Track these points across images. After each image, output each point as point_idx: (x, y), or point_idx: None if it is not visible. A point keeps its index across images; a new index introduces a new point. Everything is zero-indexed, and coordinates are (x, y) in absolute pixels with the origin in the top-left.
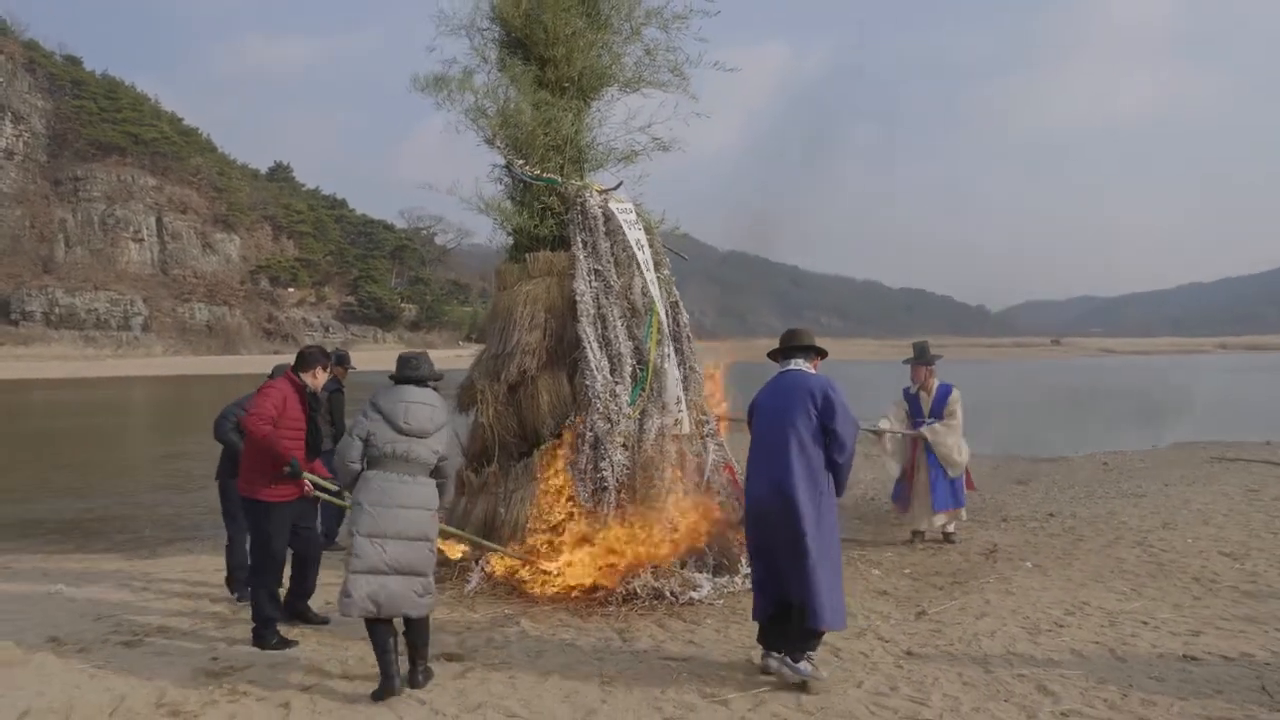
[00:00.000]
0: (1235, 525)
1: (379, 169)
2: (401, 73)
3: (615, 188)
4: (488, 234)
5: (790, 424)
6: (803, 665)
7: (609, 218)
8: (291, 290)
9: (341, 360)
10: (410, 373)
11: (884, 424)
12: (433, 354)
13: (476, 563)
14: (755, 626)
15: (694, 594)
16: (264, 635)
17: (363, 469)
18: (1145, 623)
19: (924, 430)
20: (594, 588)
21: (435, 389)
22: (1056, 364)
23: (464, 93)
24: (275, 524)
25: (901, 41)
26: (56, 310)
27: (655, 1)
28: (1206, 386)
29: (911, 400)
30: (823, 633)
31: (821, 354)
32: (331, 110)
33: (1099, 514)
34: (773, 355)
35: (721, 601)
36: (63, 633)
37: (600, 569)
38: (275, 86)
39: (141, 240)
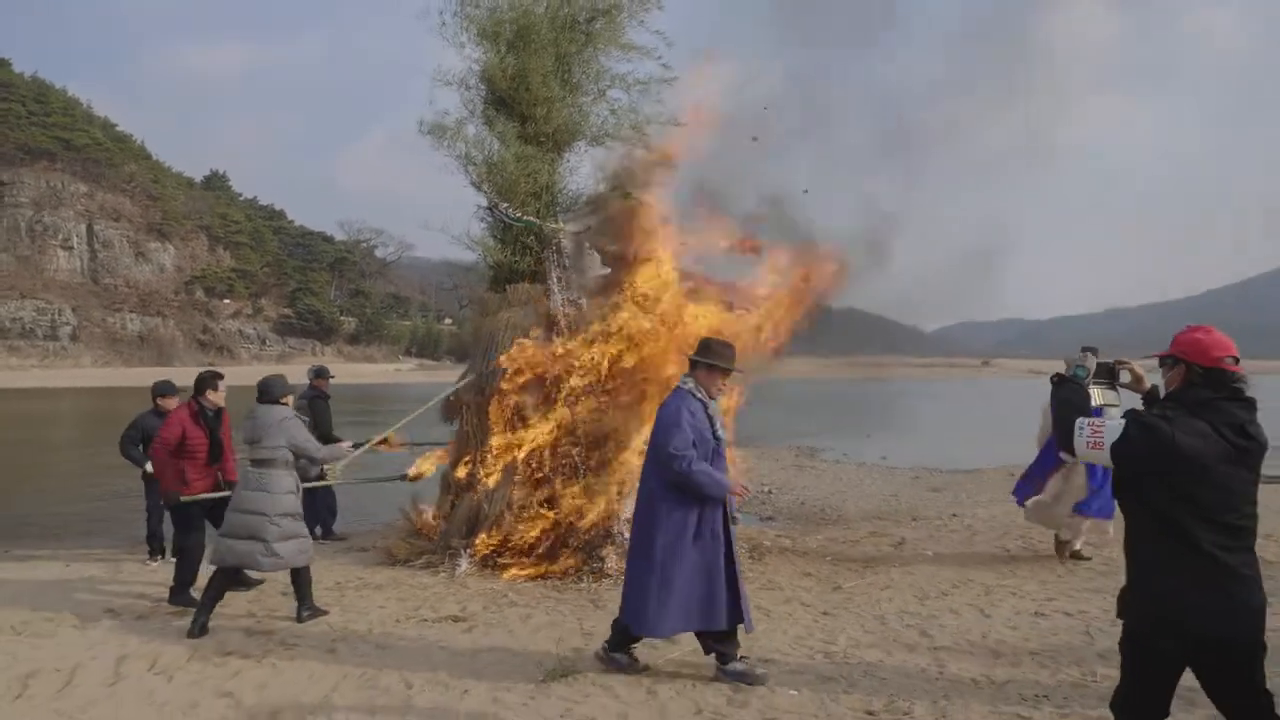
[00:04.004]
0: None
1: (318, 178)
2: (342, 79)
3: (585, 230)
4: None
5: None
6: (619, 657)
7: (580, 255)
8: (227, 301)
9: (321, 374)
10: (260, 397)
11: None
12: (372, 368)
13: (464, 550)
14: None
15: None
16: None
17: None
18: (1013, 593)
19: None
20: (567, 570)
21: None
22: (987, 384)
23: (456, 142)
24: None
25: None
26: None
27: (622, 67)
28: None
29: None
30: (626, 629)
31: (705, 365)
32: (269, 118)
33: (996, 515)
34: None
35: None
36: (116, 606)
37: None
38: (212, 92)
39: (71, 248)
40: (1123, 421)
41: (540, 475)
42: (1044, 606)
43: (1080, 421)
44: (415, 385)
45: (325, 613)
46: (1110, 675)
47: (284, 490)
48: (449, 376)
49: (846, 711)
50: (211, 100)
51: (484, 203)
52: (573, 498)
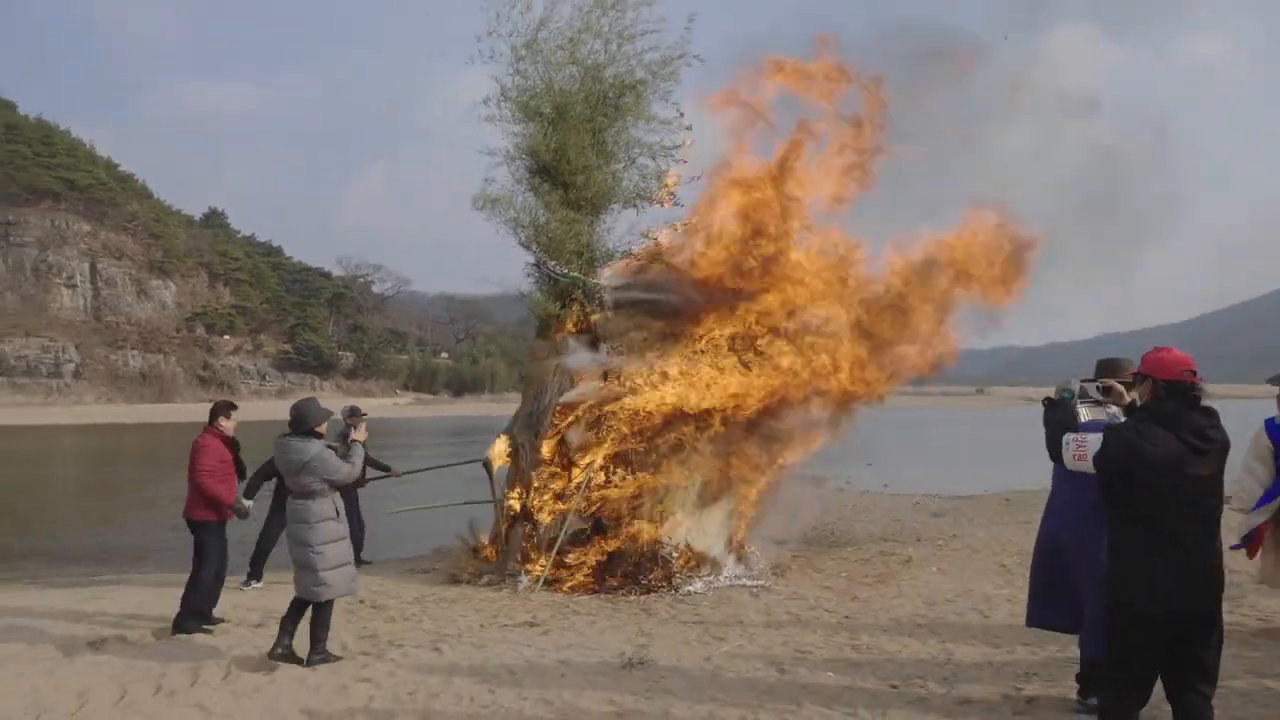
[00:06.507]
0: None
1: (316, 214)
2: (341, 120)
3: (623, 285)
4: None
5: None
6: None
7: (619, 307)
8: (227, 338)
9: (354, 413)
10: (293, 428)
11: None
12: (371, 402)
13: (523, 570)
14: (739, 602)
15: (690, 588)
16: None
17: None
18: (1009, 600)
19: None
20: (618, 585)
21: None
22: (982, 413)
23: (507, 210)
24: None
25: None
26: None
27: (649, 137)
28: None
29: (1275, 434)
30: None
31: (1112, 395)
32: (268, 154)
33: (994, 535)
34: None
35: (712, 592)
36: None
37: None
38: (212, 129)
39: (74, 286)
40: (1101, 436)
41: (589, 504)
42: None
43: (1067, 437)
44: (416, 419)
45: (339, 658)
46: None
47: (321, 518)
48: (447, 410)
49: (874, 685)
50: (211, 137)
51: (531, 260)
52: (621, 524)
